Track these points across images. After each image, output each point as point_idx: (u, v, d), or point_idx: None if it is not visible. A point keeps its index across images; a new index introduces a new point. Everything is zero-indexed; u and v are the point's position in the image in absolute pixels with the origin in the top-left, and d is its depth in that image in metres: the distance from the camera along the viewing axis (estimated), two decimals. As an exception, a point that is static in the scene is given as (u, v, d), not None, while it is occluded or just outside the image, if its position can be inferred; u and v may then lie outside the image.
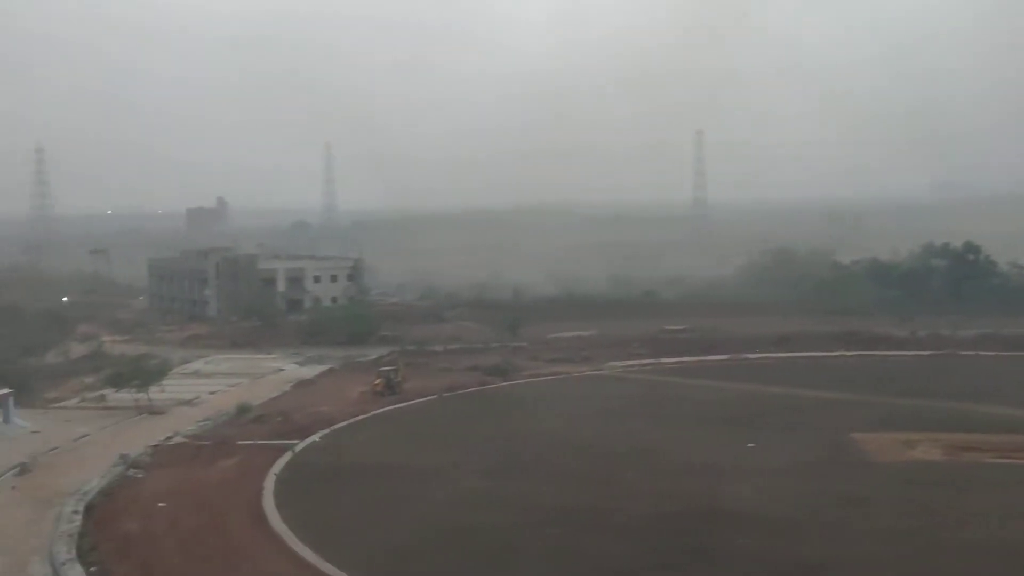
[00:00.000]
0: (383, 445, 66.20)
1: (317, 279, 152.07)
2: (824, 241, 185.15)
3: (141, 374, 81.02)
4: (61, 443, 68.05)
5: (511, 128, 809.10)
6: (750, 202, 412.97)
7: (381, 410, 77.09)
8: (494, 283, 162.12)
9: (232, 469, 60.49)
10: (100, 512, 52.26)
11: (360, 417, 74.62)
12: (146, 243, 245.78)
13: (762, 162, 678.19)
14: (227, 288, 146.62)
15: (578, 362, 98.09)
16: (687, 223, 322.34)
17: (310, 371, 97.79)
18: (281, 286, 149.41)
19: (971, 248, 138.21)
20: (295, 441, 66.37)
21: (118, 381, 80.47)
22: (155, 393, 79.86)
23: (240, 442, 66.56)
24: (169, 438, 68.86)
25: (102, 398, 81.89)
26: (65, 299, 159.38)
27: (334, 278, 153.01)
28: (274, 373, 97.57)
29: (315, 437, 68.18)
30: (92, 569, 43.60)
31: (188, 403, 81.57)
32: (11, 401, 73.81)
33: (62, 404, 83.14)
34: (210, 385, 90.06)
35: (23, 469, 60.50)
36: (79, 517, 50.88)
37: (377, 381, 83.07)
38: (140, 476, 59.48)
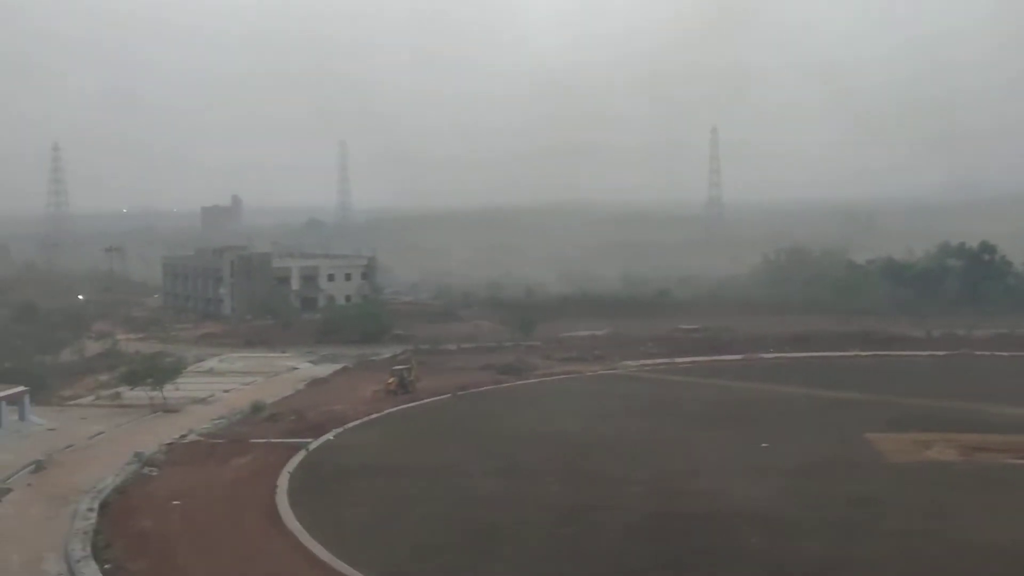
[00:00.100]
0: (397, 444, 66.28)
1: (331, 278, 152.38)
2: (838, 240, 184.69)
3: (156, 372, 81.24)
4: (76, 441, 68.32)
5: (524, 125, 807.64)
6: (763, 201, 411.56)
7: (395, 409, 77.19)
8: (507, 282, 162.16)
9: (246, 467, 60.66)
10: (115, 509, 52.47)
11: (373, 416, 74.73)
12: (161, 241, 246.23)
13: (775, 161, 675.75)
14: (241, 286, 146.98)
15: (591, 361, 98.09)
16: (701, 222, 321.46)
17: (324, 370, 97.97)
18: (295, 285, 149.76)
19: (987, 248, 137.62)
20: (309, 439, 66.51)
21: (133, 379, 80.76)
22: (169, 391, 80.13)
23: (254, 440, 66.75)
24: (183, 436, 69.09)
25: (117, 396, 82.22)
26: (80, 297, 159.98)
27: (348, 277, 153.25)
28: (288, 371, 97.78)
29: (329, 436, 68.29)
30: (107, 566, 43.75)
31: (202, 401, 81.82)
32: (27, 399, 74.15)
33: (77, 402, 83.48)
34: (224, 383, 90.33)
35: (39, 466, 60.76)
36: (94, 514, 51.10)
37: (390, 380, 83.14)
38: (154, 474, 59.69)
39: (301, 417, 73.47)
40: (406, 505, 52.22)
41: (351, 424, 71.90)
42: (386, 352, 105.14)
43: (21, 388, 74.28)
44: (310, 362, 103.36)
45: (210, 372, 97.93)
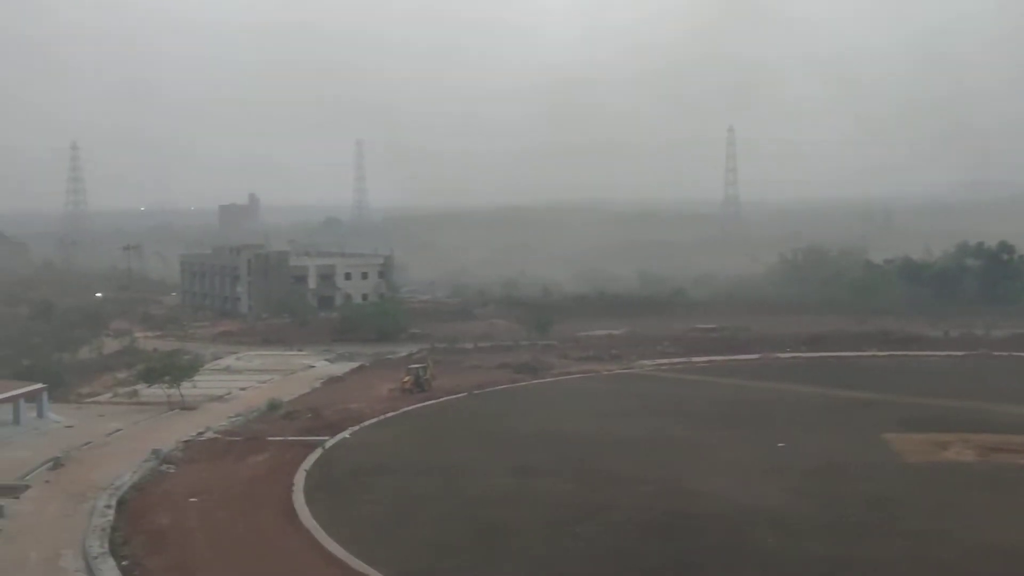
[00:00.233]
0: (413, 442, 66.34)
1: (348, 276, 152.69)
2: (856, 240, 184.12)
3: (173, 370, 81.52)
4: (94, 438, 68.65)
5: (534, 122, 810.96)
6: (779, 200, 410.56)
7: (411, 407, 77.28)
8: (524, 281, 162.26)
9: (263, 465, 60.85)
10: (132, 506, 52.74)
11: (390, 414, 74.85)
12: (178, 239, 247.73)
13: (788, 157, 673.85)
14: (259, 285, 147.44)
15: (608, 360, 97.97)
16: (716, 221, 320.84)
17: (340, 368, 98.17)
18: (312, 283, 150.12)
19: (1005, 248, 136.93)
20: (325, 437, 66.65)
21: (150, 376, 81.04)
22: (187, 389, 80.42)
23: (271, 438, 66.94)
24: (200, 433, 69.33)
25: (134, 393, 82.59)
26: (98, 295, 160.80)
27: (365, 275, 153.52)
28: (305, 370, 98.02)
29: (345, 434, 68.42)
30: (124, 563, 43.98)
31: (219, 399, 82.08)
32: (45, 396, 74.54)
33: (95, 399, 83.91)
34: (241, 381, 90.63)
35: (57, 463, 61.06)
36: (111, 511, 51.38)
37: (406, 378, 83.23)
38: (172, 471, 59.94)
39: (317, 415, 73.64)
40: (422, 503, 52.28)
41: (367, 422, 72.01)
42: (402, 351, 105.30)
43: (39, 385, 74.70)
44: (327, 360, 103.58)
45: (227, 370, 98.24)
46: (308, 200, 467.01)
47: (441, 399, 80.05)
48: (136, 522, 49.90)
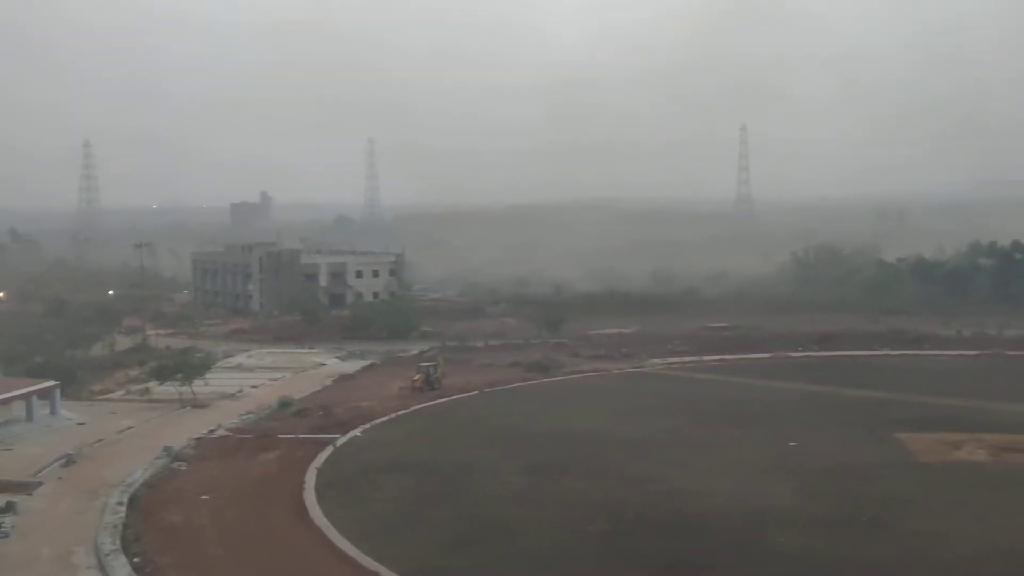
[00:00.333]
0: (424, 440, 66.37)
1: (359, 274, 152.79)
2: (868, 238, 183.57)
3: (185, 367, 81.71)
4: (106, 435, 68.88)
5: (542, 120, 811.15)
6: (791, 198, 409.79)
7: (422, 405, 77.29)
8: (534, 279, 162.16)
9: (274, 462, 60.95)
10: (144, 503, 52.88)
11: (401, 412, 74.88)
12: (190, 237, 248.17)
13: (798, 158, 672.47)
14: (270, 283, 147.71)
15: (619, 359, 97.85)
16: (727, 219, 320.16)
17: (351, 366, 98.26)
18: (323, 281, 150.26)
19: (1018, 247, 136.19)
20: (336, 435, 66.73)
21: (162, 374, 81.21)
22: (198, 386, 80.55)
23: (282, 436, 67.04)
24: (212, 431, 69.48)
25: (146, 391, 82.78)
26: (110, 293, 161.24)
27: (376, 273, 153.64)
28: (316, 368, 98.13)
29: (356, 432, 68.49)
30: (136, 560, 44.08)
31: (231, 397, 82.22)
32: (57, 393, 74.81)
33: (107, 396, 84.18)
34: (252, 379, 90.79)
35: (69, 460, 61.31)
36: (123, 508, 51.53)
37: (416, 376, 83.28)
38: (183, 468, 60.07)
39: (328, 413, 73.71)
40: (433, 501, 52.30)
41: (378, 420, 72.06)
42: (413, 349, 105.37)
43: (52, 382, 74.95)
44: (338, 358, 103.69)
45: (239, 368, 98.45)
46: (319, 198, 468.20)
47: (452, 397, 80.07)
48: (148, 519, 50.05)
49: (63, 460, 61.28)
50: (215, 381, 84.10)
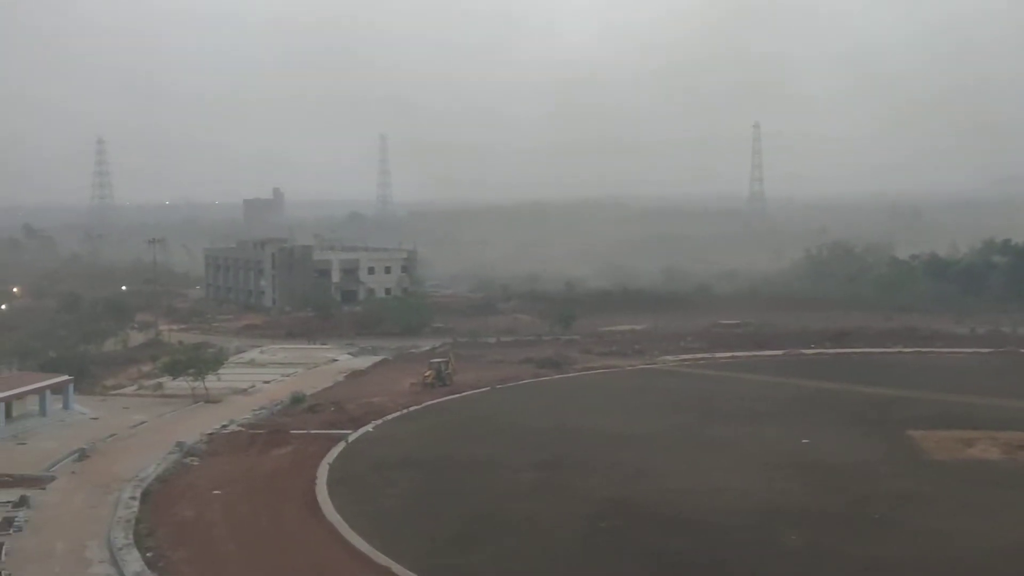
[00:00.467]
0: (436, 436, 66.41)
1: (371, 270, 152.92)
2: (882, 236, 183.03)
3: (197, 363, 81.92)
4: (119, 430, 69.07)
5: (550, 117, 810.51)
6: (805, 195, 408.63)
7: (434, 401, 77.33)
8: (546, 276, 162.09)
9: (286, 458, 61.03)
10: (157, 498, 53.05)
11: (413, 408, 74.91)
12: (202, 233, 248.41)
13: (814, 155, 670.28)
14: (283, 279, 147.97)
15: (631, 356, 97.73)
16: (740, 217, 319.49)
17: (363, 362, 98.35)
18: (336, 277, 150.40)
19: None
20: (348, 431, 66.81)
21: (175, 369, 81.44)
22: (211, 382, 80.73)
23: (294, 431, 67.11)
24: (224, 426, 69.62)
25: (159, 386, 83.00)
26: (124, 288, 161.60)
27: (388, 270, 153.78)
28: (328, 363, 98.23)
29: (368, 427, 68.56)
30: (148, 554, 44.20)
31: (243, 392, 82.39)
32: (71, 388, 75.07)
33: (120, 391, 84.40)
34: (265, 374, 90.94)
35: (82, 455, 61.54)
36: (136, 503, 51.69)
37: (427, 372, 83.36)
38: (196, 463, 60.23)
39: (340, 408, 73.83)
40: (445, 497, 52.32)
41: (390, 416, 72.12)
42: (425, 345, 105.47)
43: (65, 377, 75.24)
44: (350, 354, 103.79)
45: (251, 363, 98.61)
46: (331, 195, 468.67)
47: (463, 393, 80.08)
48: (160, 514, 50.19)
49: (76, 455, 61.51)
50: (227, 376, 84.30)
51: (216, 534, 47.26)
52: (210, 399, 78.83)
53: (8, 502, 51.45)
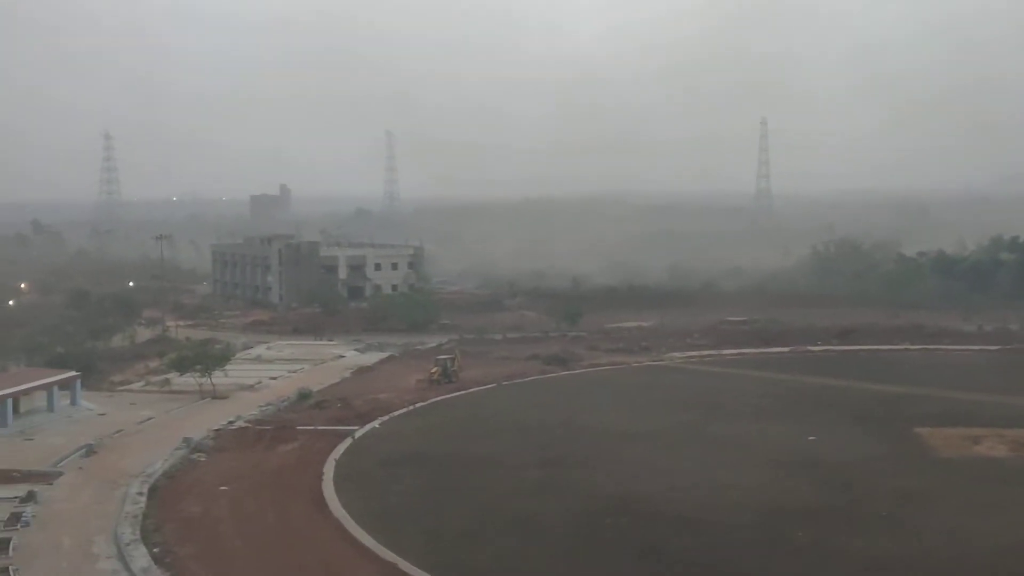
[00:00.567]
0: (442, 433, 66.46)
1: (378, 267, 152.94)
2: (889, 233, 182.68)
3: (204, 359, 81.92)
4: (126, 426, 69.21)
5: (558, 118, 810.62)
6: (810, 192, 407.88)
7: (440, 398, 77.38)
8: (553, 272, 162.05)
9: (292, 454, 61.14)
10: (164, 494, 53.15)
11: (420, 404, 74.96)
12: (210, 229, 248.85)
13: (820, 152, 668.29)
14: (289, 275, 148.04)
15: (637, 352, 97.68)
16: (747, 214, 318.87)
17: (370, 358, 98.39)
18: (342, 273, 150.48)
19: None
20: (355, 427, 66.90)
21: (182, 365, 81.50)
22: (218, 378, 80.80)
23: (300, 427, 67.25)
24: (231, 422, 69.73)
25: (166, 382, 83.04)
26: (131, 284, 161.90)
27: (395, 266, 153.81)
28: (335, 360, 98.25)
29: (375, 423, 68.64)
30: (155, 550, 44.32)
31: (250, 388, 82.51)
32: (78, 384, 75.21)
33: (127, 387, 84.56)
34: (272, 371, 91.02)
35: (89, 451, 61.65)
36: (143, 498, 51.86)
37: (434, 369, 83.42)
38: (203, 459, 60.34)
39: (347, 405, 73.93)
40: (452, 494, 52.37)
41: (397, 412, 72.20)
42: (432, 341, 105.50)
43: (73, 373, 75.41)
44: (356, 350, 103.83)
45: (258, 359, 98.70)
46: (337, 191, 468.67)
47: (470, 390, 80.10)
48: (167, 510, 50.30)
49: (84, 450, 61.64)
50: (234, 372, 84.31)
51: (223, 530, 47.37)
52: (217, 395, 78.94)
53: (16, 497, 51.64)
